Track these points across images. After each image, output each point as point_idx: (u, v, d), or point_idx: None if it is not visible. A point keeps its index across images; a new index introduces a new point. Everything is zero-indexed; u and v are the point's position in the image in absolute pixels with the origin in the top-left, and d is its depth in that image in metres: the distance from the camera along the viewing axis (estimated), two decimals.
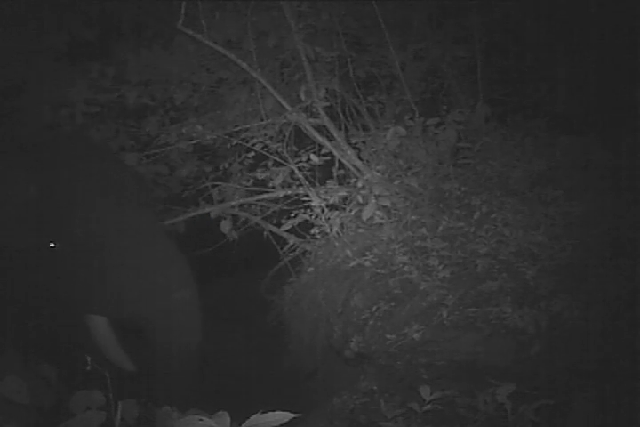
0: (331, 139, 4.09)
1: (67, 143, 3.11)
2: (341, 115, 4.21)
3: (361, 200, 3.82)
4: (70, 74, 4.17)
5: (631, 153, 3.55)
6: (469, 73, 4.39)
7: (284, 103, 4.04)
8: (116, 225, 2.74)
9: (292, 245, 4.42)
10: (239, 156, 4.54)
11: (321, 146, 4.15)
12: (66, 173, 2.75)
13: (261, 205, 4.51)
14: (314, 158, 4.10)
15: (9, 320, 2.62)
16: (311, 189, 4.11)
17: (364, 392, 2.54)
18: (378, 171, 3.92)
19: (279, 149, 4.21)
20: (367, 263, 3.62)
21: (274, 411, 1.32)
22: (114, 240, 2.72)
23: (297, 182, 4.27)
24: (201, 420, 1.30)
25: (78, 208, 2.71)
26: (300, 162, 4.20)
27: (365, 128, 4.27)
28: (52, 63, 4.20)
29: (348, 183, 4.06)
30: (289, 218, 4.29)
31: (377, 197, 3.74)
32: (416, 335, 2.89)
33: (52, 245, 2.68)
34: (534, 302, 2.84)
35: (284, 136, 4.21)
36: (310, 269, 4.11)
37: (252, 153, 4.37)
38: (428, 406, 2.09)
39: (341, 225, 3.95)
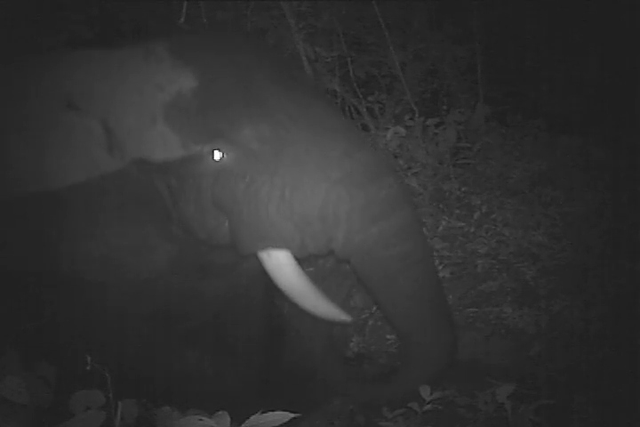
0: None
1: (223, 34, 2.38)
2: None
3: None
4: None
5: (631, 153, 3.54)
6: (469, 73, 4.39)
7: None
8: (296, 123, 1.98)
9: None
10: None
11: None
12: (231, 61, 2.06)
13: None
14: None
15: (13, 319, 2.48)
16: None
17: None
18: None
19: None
20: None
21: (274, 411, 1.32)
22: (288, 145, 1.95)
23: None
24: (201, 420, 1.31)
25: (245, 104, 1.99)
26: None
27: (365, 128, 4.26)
28: None
29: None
30: None
31: None
32: None
33: (217, 156, 1.96)
34: (534, 302, 2.85)
35: None
36: (310, 269, 4.10)
37: None
38: (428, 406, 2.09)
39: None
